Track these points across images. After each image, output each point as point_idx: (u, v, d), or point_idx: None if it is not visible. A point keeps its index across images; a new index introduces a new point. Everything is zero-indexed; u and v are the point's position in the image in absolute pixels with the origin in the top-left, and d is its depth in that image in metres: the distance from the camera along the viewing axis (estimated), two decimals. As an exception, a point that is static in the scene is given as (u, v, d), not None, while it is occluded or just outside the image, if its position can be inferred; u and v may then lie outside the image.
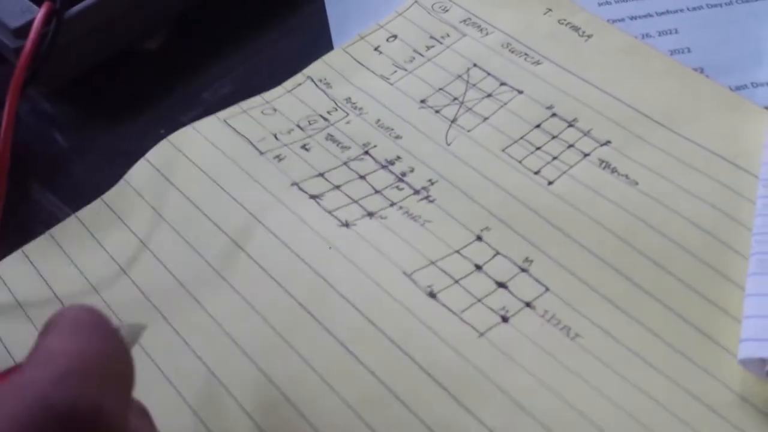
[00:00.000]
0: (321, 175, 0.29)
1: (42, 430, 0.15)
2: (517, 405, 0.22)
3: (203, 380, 0.24)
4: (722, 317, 0.24)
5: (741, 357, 0.22)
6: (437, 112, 0.31)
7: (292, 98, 0.32)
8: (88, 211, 0.29)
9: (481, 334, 0.24)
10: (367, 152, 0.30)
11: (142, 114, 0.33)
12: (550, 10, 0.34)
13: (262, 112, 0.31)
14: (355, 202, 0.28)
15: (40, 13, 0.29)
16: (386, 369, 0.24)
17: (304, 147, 0.30)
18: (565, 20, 0.33)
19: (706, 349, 0.23)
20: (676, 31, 0.33)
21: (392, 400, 0.23)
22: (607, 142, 0.29)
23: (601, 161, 0.28)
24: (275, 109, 0.31)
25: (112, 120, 0.33)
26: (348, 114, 0.31)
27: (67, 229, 0.29)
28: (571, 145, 0.29)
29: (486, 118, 0.30)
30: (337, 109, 0.31)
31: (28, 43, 0.29)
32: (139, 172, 0.30)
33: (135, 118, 0.33)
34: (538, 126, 0.29)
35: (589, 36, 0.32)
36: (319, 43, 0.35)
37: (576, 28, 0.33)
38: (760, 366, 0.21)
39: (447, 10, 0.34)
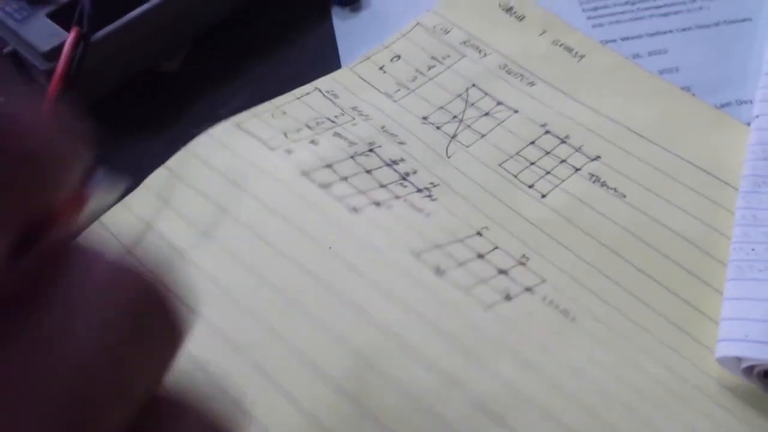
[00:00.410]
0: (329, 166, 0.30)
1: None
2: (525, 364, 0.24)
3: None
4: (703, 320, 0.25)
5: (718, 356, 0.23)
6: (438, 128, 0.33)
7: (300, 104, 0.34)
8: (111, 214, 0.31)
9: (488, 307, 0.26)
10: (372, 150, 0.31)
11: (162, 131, 0.35)
12: (545, 31, 0.36)
13: (272, 116, 0.33)
14: (362, 192, 0.29)
15: (69, 38, 0.32)
16: (397, 325, 0.25)
17: (312, 142, 0.32)
18: (559, 41, 0.35)
19: (688, 348, 0.25)
20: (666, 52, 0.35)
21: (402, 351, 0.25)
22: (597, 158, 0.30)
23: (592, 175, 0.30)
24: (285, 113, 0.33)
25: (134, 137, 0.36)
26: (354, 118, 0.33)
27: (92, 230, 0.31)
28: (563, 161, 0.31)
29: (484, 135, 0.32)
30: (344, 114, 0.33)
31: (60, 66, 0.31)
32: (156, 176, 0.32)
33: (155, 135, 0.35)
34: (532, 143, 0.31)
35: (582, 56, 0.34)
36: (327, 62, 0.37)
37: (569, 49, 0.35)
38: (735, 364, 0.23)
39: (448, 32, 0.36)
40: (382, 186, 0.30)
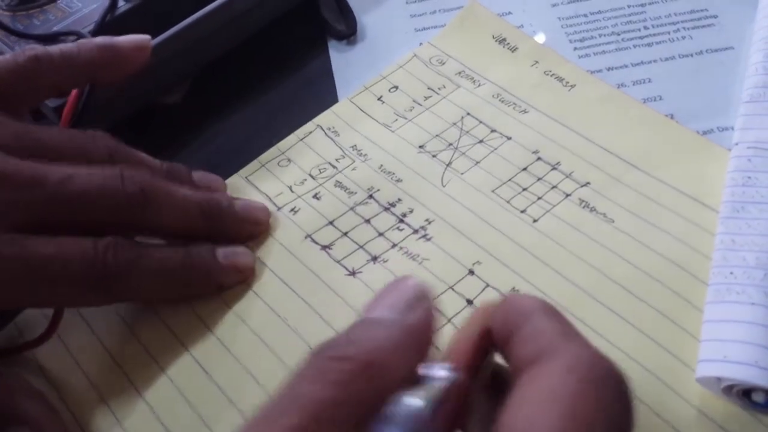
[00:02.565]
0: (331, 223, 0.32)
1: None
2: None
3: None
4: (687, 339, 0.26)
5: (698, 376, 0.25)
6: (434, 156, 0.34)
7: (304, 147, 0.35)
8: None
9: None
10: (371, 196, 0.33)
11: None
12: (537, 62, 0.37)
13: (278, 164, 0.35)
14: (361, 247, 0.31)
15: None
16: None
17: (315, 196, 0.33)
18: (550, 71, 0.37)
19: (672, 369, 0.26)
20: (650, 81, 0.36)
21: None
22: (587, 184, 0.32)
23: (581, 201, 0.31)
24: (290, 160, 0.35)
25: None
26: (354, 161, 0.34)
27: None
28: (554, 186, 0.32)
29: (478, 162, 0.33)
30: (344, 156, 0.35)
31: (68, 104, 0.32)
32: None
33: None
34: (524, 169, 0.33)
35: (572, 86, 0.36)
36: (325, 92, 0.38)
37: (560, 79, 0.36)
38: (716, 384, 0.24)
39: (443, 63, 0.38)
40: (380, 234, 0.31)
